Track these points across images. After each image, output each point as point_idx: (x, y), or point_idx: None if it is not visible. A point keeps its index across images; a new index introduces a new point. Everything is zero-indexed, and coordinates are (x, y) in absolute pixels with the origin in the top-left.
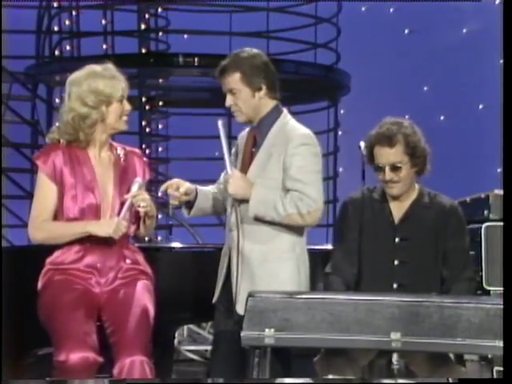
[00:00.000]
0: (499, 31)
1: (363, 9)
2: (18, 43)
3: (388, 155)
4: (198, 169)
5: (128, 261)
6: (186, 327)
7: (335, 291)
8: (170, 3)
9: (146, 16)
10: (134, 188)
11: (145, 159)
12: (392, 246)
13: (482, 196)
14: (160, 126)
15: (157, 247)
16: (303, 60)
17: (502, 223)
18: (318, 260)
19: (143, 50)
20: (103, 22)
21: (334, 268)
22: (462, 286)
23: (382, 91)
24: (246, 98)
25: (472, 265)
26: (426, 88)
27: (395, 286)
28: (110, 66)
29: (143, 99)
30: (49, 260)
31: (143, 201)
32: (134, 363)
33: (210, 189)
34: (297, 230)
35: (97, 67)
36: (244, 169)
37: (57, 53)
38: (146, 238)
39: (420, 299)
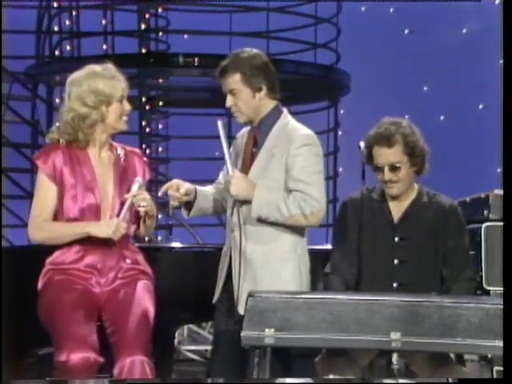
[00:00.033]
0: (499, 31)
1: (363, 9)
2: (18, 43)
3: (387, 155)
4: (198, 169)
5: (128, 261)
6: (186, 327)
7: (335, 291)
8: (170, 3)
9: (146, 16)
10: (134, 188)
11: (145, 159)
12: (391, 246)
13: (482, 196)
14: (160, 126)
15: (157, 247)
16: (303, 60)
17: (501, 223)
18: (318, 260)
19: (143, 50)
20: (103, 22)
21: (334, 268)
22: (462, 285)
23: (381, 91)
24: (246, 99)
25: (472, 264)
26: (425, 88)
27: (395, 285)
28: (110, 66)
29: (143, 99)
30: (49, 260)
31: (143, 200)
32: (135, 363)
33: (209, 189)
34: (298, 230)
35: (97, 67)
36: (245, 169)
37: (57, 53)
38: (146, 238)
39: (420, 299)
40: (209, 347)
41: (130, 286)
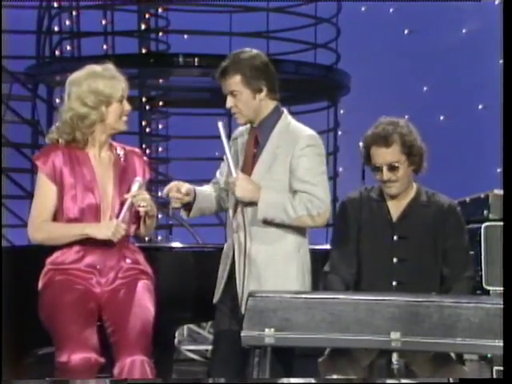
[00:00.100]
0: (499, 31)
1: (363, 9)
2: (18, 43)
3: (385, 155)
4: (197, 169)
5: (128, 260)
6: (186, 327)
7: (334, 290)
8: (170, 3)
9: (146, 16)
10: (134, 188)
11: (145, 158)
12: (390, 244)
13: (482, 196)
14: (160, 126)
15: (157, 247)
16: (303, 60)
17: (501, 223)
18: (317, 260)
19: (143, 50)
20: (103, 22)
21: (333, 267)
22: (462, 284)
23: (381, 91)
24: (246, 100)
25: (472, 264)
26: (425, 88)
27: (394, 283)
28: (110, 66)
29: (143, 99)
30: (49, 260)
31: (143, 200)
32: (135, 363)
33: (207, 188)
34: (301, 230)
35: (97, 67)
36: (246, 170)
37: (57, 53)
38: (147, 238)
39: (420, 299)
40: (209, 347)
41: (131, 285)
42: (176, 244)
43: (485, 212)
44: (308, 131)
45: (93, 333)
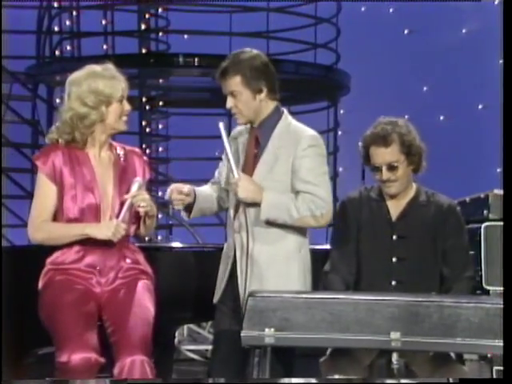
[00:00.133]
0: (499, 31)
1: (363, 9)
2: (18, 43)
3: (384, 155)
4: (197, 169)
5: (128, 260)
6: (186, 327)
7: (334, 290)
8: (170, 3)
9: (147, 16)
10: (134, 188)
11: (145, 158)
12: (390, 244)
13: (482, 196)
14: (160, 126)
15: (157, 247)
16: (303, 60)
17: (501, 223)
18: (318, 260)
19: (143, 50)
20: (103, 22)
21: (333, 267)
22: (462, 284)
23: (381, 91)
24: (246, 101)
25: (472, 264)
26: (425, 88)
27: (393, 283)
28: (109, 66)
29: (143, 99)
30: (49, 260)
31: (143, 201)
32: (135, 363)
33: (206, 189)
34: (302, 231)
35: (97, 67)
36: (248, 170)
37: (57, 53)
38: (147, 238)
39: (420, 299)
40: (209, 347)
41: (131, 285)
42: (176, 244)
43: (485, 212)
44: (310, 131)
45: (93, 333)
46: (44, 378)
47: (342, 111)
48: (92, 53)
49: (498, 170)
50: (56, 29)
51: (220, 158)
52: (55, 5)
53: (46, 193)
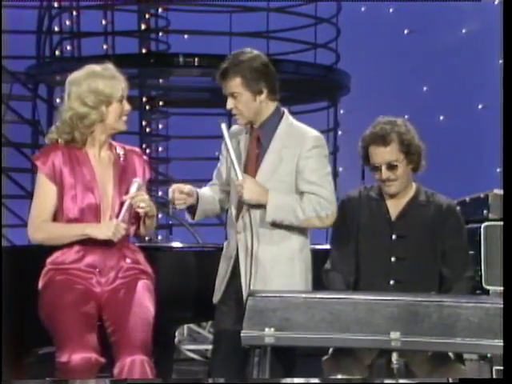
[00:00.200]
0: (499, 31)
1: (363, 9)
2: (18, 43)
3: (383, 154)
4: (198, 169)
5: (128, 260)
6: (186, 326)
7: (336, 288)
8: (170, 3)
9: (147, 16)
10: (133, 189)
11: (145, 158)
12: (389, 243)
13: (482, 196)
14: (160, 126)
15: (157, 247)
16: (303, 60)
17: (501, 223)
18: (318, 260)
19: (143, 50)
20: (103, 22)
21: (333, 266)
22: (462, 284)
23: (381, 91)
24: (247, 102)
25: (472, 264)
26: (425, 88)
27: (392, 282)
28: (109, 66)
29: (143, 99)
30: (49, 260)
31: (142, 201)
32: (135, 363)
33: (207, 191)
34: (304, 231)
35: (97, 67)
36: (250, 171)
37: (57, 53)
38: (147, 238)
39: (419, 299)
40: (209, 347)
41: (131, 285)
42: (176, 244)
43: (484, 212)
44: (313, 132)
45: (93, 332)
46: (44, 377)
47: (341, 111)
48: (92, 53)
49: (498, 170)
50: (56, 29)
51: (219, 159)
52: (55, 5)
53: (45, 193)
